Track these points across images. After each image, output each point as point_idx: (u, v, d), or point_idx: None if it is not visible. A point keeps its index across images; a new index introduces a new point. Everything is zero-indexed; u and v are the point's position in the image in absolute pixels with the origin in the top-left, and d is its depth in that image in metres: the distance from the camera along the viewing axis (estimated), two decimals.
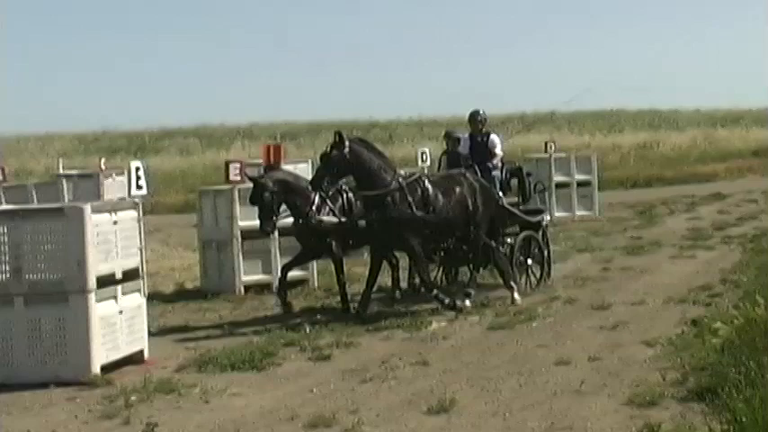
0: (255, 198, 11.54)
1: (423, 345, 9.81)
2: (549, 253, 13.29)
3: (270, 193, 11.36)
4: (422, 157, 18.70)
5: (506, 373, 8.48)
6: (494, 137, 13.23)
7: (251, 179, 11.79)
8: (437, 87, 77.80)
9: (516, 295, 11.81)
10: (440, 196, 11.46)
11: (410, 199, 11.16)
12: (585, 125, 43.88)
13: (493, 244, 12.11)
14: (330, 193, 11.52)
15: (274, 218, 11.44)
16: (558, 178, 22.35)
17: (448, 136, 14.47)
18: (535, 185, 14.10)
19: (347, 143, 11.06)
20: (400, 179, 11.29)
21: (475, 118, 13.25)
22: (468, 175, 12.06)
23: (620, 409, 7.29)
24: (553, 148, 22.69)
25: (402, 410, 7.51)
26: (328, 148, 11.12)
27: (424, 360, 9.06)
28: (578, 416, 7.17)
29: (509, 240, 12.77)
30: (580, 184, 22.60)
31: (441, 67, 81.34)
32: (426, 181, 11.58)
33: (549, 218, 14.94)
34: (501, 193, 12.85)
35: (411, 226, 11.15)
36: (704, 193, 26.22)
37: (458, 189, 11.66)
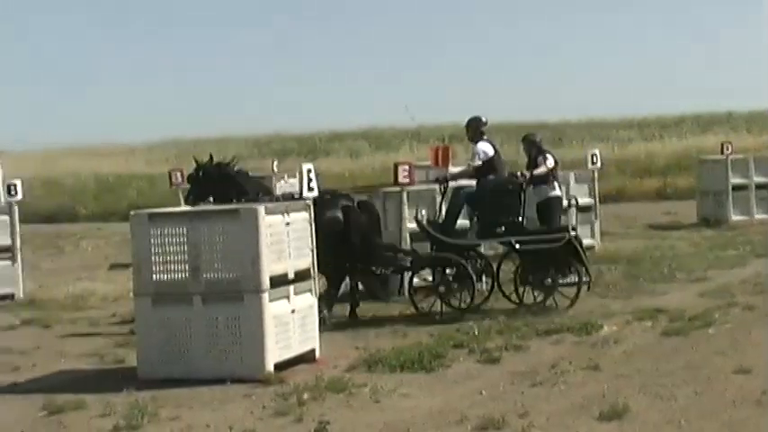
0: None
1: (594, 349, 9.63)
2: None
3: None
4: (592, 160, 18.37)
5: (681, 381, 8.23)
6: (474, 145, 12.45)
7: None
8: (606, 87, 76.31)
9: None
10: None
11: None
12: (766, 125, 42.22)
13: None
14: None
15: None
16: (735, 180, 21.66)
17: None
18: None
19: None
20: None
21: (468, 125, 12.66)
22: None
23: None
24: (730, 149, 21.96)
25: (573, 415, 7.39)
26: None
27: (595, 365, 8.89)
28: (759, 428, 6.89)
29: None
30: (759, 186, 21.81)
31: (611, 64, 79.70)
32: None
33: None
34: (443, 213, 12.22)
35: None
36: None
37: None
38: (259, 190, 12.29)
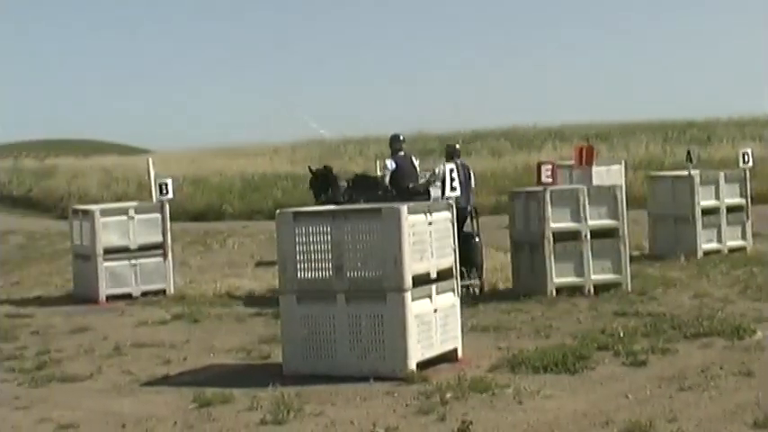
0: None
1: (746, 354, 9.32)
2: None
3: None
4: (743, 158, 17.79)
5: None
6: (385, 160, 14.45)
7: None
8: (758, 85, 73.88)
9: None
10: None
11: None
12: None
13: None
14: None
15: None
16: None
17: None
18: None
19: None
20: None
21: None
22: None
23: None
24: None
25: (724, 422, 7.17)
26: None
27: (747, 370, 8.60)
28: None
29: None
30: None
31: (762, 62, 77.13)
32: None
33: None
34: None
35: None
36: None
37: None
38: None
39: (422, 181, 14.44)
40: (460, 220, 13.00)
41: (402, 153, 14.43)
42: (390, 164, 14.30)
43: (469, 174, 14.32)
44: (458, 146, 15.03)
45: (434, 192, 13.31)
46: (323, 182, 16.21)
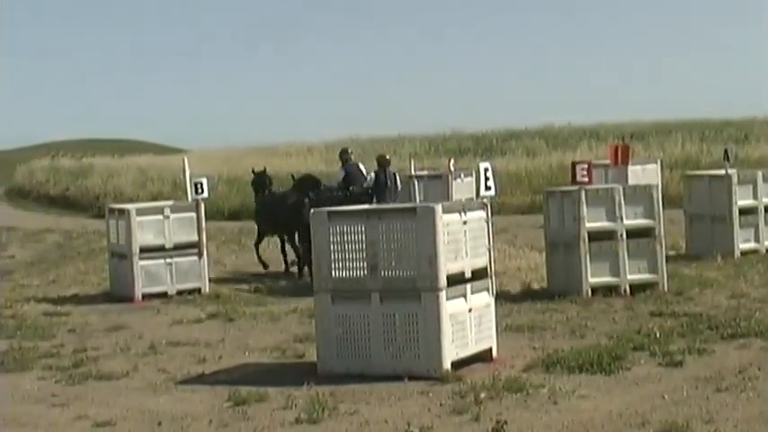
0: None
1: None
2: None
3: None
4: None
5: None
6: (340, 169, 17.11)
7: None
8: None
9: None
10: None
11: None
12: None
13: None
14: None
15: None
16: None
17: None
18: None
19: None
20: None
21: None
22: None
23: None
24: None
25: (761, 424, 7.10)
26: None
27: None
28: None
29: None
30: None
31: None
32: None
33: None
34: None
35: None
36: None
37: None
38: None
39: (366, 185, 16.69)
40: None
41: (350, 163, 17.13)
42: (341, 172, 16.94)
43: (396, 181, 16.86)
44: (387, 156, 17.70)
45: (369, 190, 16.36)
46: (258, 183, 18.17)
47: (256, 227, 18.12)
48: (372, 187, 16.51)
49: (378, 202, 15.97)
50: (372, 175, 16.74)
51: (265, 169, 18.57)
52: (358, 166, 17.25)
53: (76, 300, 15.15)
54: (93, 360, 10.47)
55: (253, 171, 18.54)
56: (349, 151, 17.59)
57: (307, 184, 16.85)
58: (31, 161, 57.04)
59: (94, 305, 14.54)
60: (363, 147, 47.24)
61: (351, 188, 16.49)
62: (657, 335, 10.21)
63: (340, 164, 17.47)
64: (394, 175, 16.94)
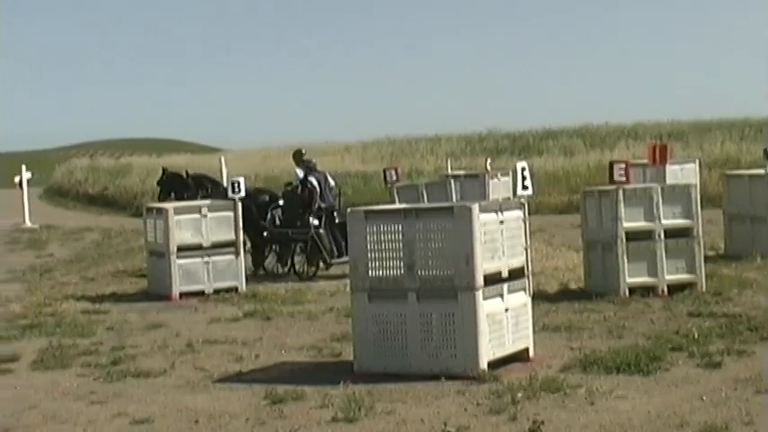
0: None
1: None
2: None
3: None
4: None
5: None
6: (295, 169, 17.71)
7: None
8: None
9: None
10: None
11: None
12: None
13: None
14: None
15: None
16: None
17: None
18: None
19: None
20: None
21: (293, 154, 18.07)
22: None
23: None
24: None
25: None
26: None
27: None
28: None
29: None
30: None
31: None
32: None
33: None
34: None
35: None
36: None
37: None
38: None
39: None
40: (334, 215, 17.27)
41: (304, 163, 17.72)
42: (297, 172, 17.60)
43: (327, 178, 17.62)
44: (309, 159, 18.07)
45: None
46: (167, 182, 19.47)
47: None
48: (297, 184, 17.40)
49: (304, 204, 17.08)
50: (299, 172, 17.48)
51: (164, 168, 20.40)
52: (314, 166, 17.78)
53: (115, 298, 15.27)
54: (132, 358, 10.55)
55: (164, 169, 20.07)
56: (303, 151, 18.10)
57: (203, 184, 18.78)
58: (70, 160, 57.62)
59: (133, 303, 14.65)
60: (401, 146, 47.27)
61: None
62: (696, 336, 10.13)
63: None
64: (325, 174, 17.73)
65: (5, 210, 34.16)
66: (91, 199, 42.24)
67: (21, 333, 12.23)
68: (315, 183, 17.16)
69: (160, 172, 20.04)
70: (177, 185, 19.04)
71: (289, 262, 17.09)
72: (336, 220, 17.15)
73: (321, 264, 16.85)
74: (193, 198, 17.76)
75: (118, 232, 26.91)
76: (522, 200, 9.98)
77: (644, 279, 13.17)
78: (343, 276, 15.69)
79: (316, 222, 16.88)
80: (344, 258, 16.72)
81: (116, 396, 8.95)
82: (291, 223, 17.21)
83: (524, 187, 10.45)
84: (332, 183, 17.70)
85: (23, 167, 32.44)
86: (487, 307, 9.00)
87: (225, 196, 16.61)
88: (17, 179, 32.52)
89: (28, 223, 30.70)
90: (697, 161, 23.60)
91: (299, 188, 17.28)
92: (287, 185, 17.98)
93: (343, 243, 16.65)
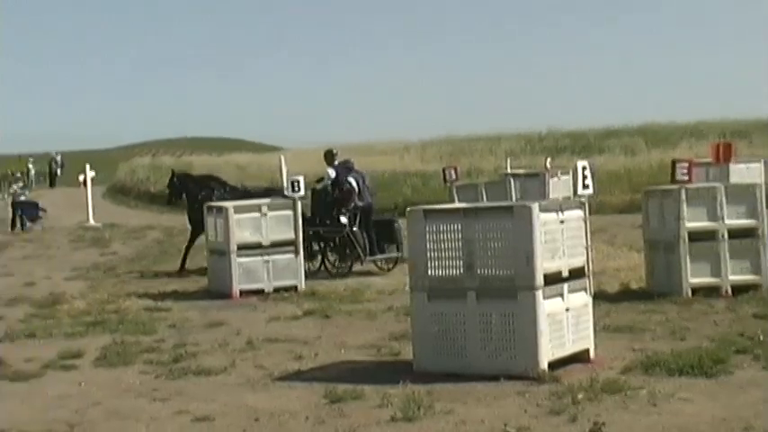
0: None
1: None
2: None
3: None
4: None
5: None
6: (327, 168, 17.81)
7: None
8: None
9: None
10: None
11: None
12: None
13: None
14: None
15: None
16: None
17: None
18: None
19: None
20: None
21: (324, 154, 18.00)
22: None
23: None
24: None
25: None
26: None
27: None
28: None
29: None
30: None
31: None
32: None
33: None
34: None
35: None
36: None
37: None
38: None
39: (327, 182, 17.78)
40: (370, 214, 17.70)
41: (336, 163, 17.81)
42: (329, 172, 17.70)
43: (365, 179, 17.93)
44: (347, 159, 18.29)
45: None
46: (178, 184, 19.72)
47: None
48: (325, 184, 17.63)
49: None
50: (331, 172, 17.67)
51: (173, 170, 20.97)
52: (351, 167, 17.91)
53: (176, 295, 15.43)
54: (193, 355, 10.64)
55: (173, 171, 20.65)
56: (334, 151, 18.06)
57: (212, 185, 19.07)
58: (132, 159, 58.33)
59: (193, 301, 14.79)
60: (460, 145, 47.18)
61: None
62: (761, 338, 9.96)
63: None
64: (362, 174, 17.98)
65: (70, 208, 34.72)
66: (153, 197, 42.74)
67: (85, 330, 12.40)
68: (353, 183, 17.46)
69: (170, 174, 20.41)
70: (190, 186, 19.27)
71: (320, 260, 17.44)
72: (372, 219, 17.63)
73: (355, 261, 17.26)
74: (208, 199, 17.82)
75: (179, 231, 27.13)
76: (583, 199, 9.91)
77: (707, 279, 12.99)
78: (369, 274, 17.00)
79: (344, 221, 17.19)
80: (378, 256, 17.54)
81: (177, 393, 9.03)
82: (322, 222, 17.48)
83: (585, 186, 10.38)
84: (368, 183, 18.07)
85: (87, 166, 32.96)
86: (548, 307, 8.93)
87: (232, 196, 17.48)
88: (81, 178, 33.04)
89: (91, 221, 31.19)
90: (762, 160, 23.22)
91: (331, 188, 17.52)
92: (317, 182, 18.09)
93: (377, 241, 17.43)
